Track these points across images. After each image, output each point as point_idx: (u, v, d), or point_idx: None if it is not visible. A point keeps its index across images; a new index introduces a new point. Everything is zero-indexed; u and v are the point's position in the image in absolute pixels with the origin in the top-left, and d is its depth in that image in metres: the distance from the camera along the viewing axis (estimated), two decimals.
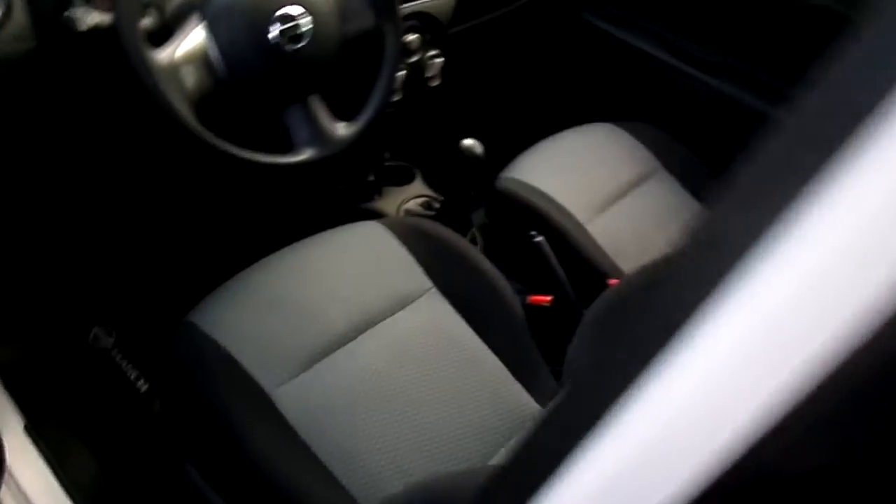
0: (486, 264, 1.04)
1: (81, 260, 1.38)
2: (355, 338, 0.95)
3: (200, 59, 0.82)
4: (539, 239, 1.07)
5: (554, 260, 1.07)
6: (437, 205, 1.28)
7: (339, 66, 0.92)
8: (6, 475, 0.94)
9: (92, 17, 0.78)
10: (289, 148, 0.90)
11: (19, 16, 0.82)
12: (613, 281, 1.13)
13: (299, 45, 0.85)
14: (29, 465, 0.98)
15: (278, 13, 0.83)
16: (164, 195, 1.32)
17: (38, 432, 1.06)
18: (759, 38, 1.34)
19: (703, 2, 1.36)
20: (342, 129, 0.94)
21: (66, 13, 0.78)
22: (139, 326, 1.35)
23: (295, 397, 0.88)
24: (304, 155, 0.90)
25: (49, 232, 1.29)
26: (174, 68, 0.79)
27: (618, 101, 1.60)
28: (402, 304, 1.00)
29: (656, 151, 1.38)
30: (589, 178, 1.29)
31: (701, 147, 1.41)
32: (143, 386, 1.25)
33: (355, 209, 1.31)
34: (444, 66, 1.24)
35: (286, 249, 1.03)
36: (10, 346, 1.16)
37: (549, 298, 1.03)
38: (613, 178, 1.31)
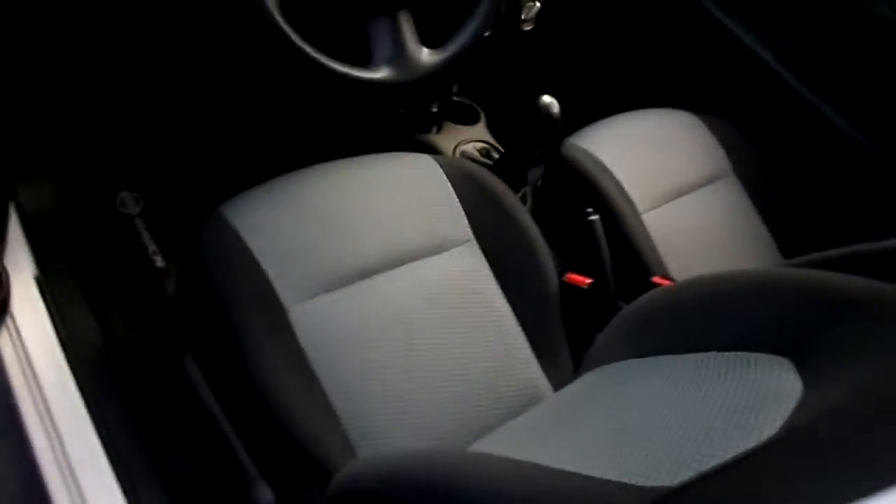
0: (533, 230, 0.99)
1: (126, 119, 1.35)
2: (384, 271, 0.92)
3: None
4: (594, 218, 1.02)
5: (604, 243, 1.02)
6: (495, 154, 1.22)
7: None
8: (8, 319, 0.93)
9: None
10: (366, 63, 0.84)
11: None
12: (657, 279, 1.08)
13: None
14: (33, 315, 0.97)
15: None
16: (226, 78, 1.28)
17: (48, 285, 1.04)
18: (871, 68, 1.25)
19: (824, 15, 1.26)
20: (426, 55, 0.88)
21: None
22: (169, 202, 1.33)
23: (311, 318, 0.85)
24: (380, 73, 0.84)
25: (102, 84, 1.26)
26: None
27: (705, 91, 1.51)
28: (439, 248, 0.96)
29: (731, 153, 1.31)
30: (657, 166, 1.22)
31: (777, 159, 1.34)
32: (160, 262, 1.24)
33: (410, 138, 1.25)
34: (540, 14, 1.17)
35: (333, 163, 0.99)
36: (36, 195, 1.14)
37: (588, 281, 0.98)
38: (682, 171, 1.24)
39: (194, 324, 0.88)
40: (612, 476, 0.53)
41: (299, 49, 0.77)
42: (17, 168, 1.07)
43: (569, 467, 0.51)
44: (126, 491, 0.88)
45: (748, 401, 0.61)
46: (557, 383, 0.94)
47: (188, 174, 1.35)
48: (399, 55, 0.84)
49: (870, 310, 0.60)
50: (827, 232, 1.29)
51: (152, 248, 1.24)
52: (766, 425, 0.56)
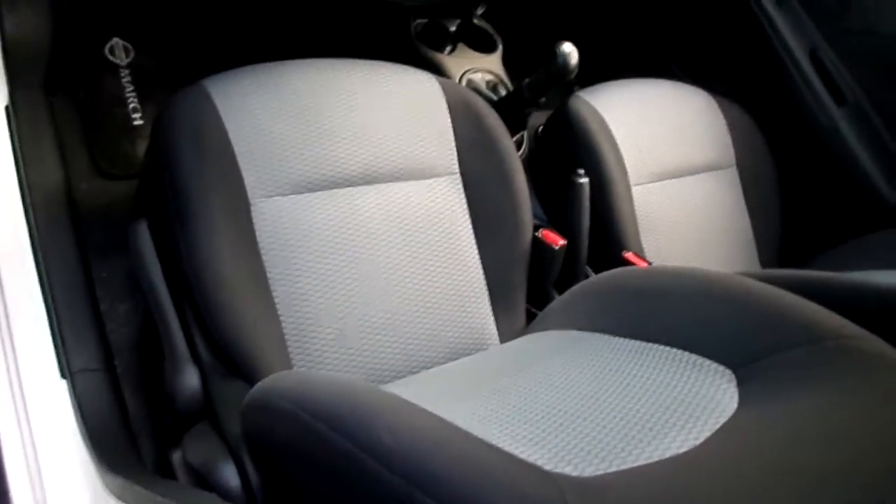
0: (520, 179, 0.96)
1: None
2: (359, 185, 0.89)
3: None
4: (583, 181, 0.99)
5: (586, 209, 0.99)
6: (503, 90, 1.18)
7: None
8: None
9: None
10: None
11: None
12: (629, 254, 1.06)
13: None
14: None
15: None
16: None
17: (17, 116, 1.00)
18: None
19: (867, 27, 1.21)
20: None
21: None
22: (162, 61, 1.27)
23: (273, 216, 0.83)
24: None
25: None
26: None
27: (729, 73, 1.46)
28: (422, 174, 0.93)
29: (739, 144, 1.28)
30: (661, 140, 1.19)
31: (785, 163, 1.31)
32: (138, 119, 1.19)
33: (419, 53, 1.20)
34: None
35: (332, 61, 0.94)
36: (22, 20, 1.07)
37: (561, 241, 0.96)
38: (684, 151, 1.21)
39: (154, 191, 0.85)
40: (520, 452, 0.53)
41: None
42: None
43: (479, 433, 0.50)
44: (56, 343, 0.88)
45: (683, 404, 0.60)
46: (506, 335, 0.93)
47: (189, 36, 1.28)
48: None
49: (823, 344, 0.59)
50: (810, 245, 1.28)
51: (133, 103, 1.19)
52: (693, 434, 0.56)
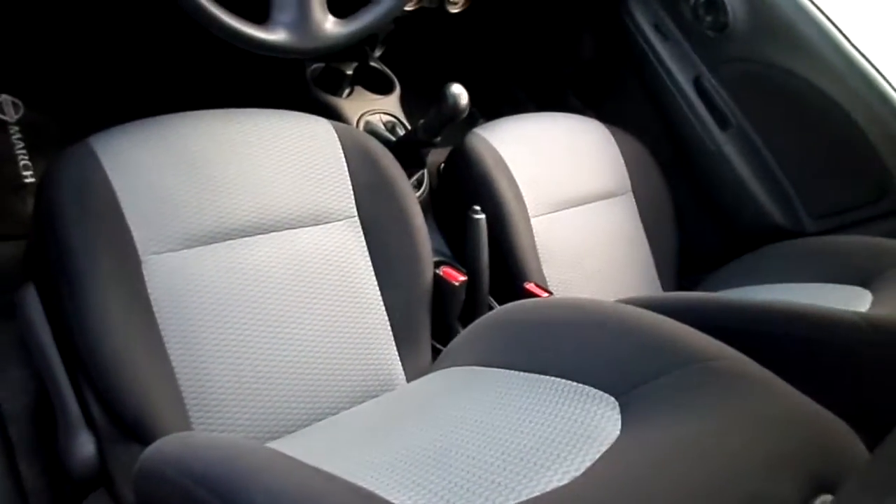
0: (417, 218, 0.98)
1: (16, 20, 1.25)
2: (254, 235, 0.88)
3: None
4: (479, 217, 1.01)
5: (484, 245, 1.02)
6: (400, 131, 1.20)
7: None
8: None
9: None
10: (263, 20, 0.80)
11: None
12: (530, 285, 1.09)
13: None
14: None
15: None
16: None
17: None
18: (774, 115, 1.29)
19: (744, 54, 1.29)
20: (331, 25, 0.84)
21: None
22: (51, 118, 1.24)
23: (165, 271, 0.82)
24: (275, 36, 0.79)
25: None
26: None
27: (620, 103, 1.53)
28: (318, 220, 0.93)
29: (633, 171, 1.33)
30: (557, 172, 1.23)
31: (677, 187, 1.38)
32: (28, 177, 1.16)
33: (313, 97, 1.21)
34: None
35: (222, 111, 0.94)
36: None
37: (461, 278, 0.98)
38: (581, 182, 1.26)
39: (41, 253, 0.83)
40: (405, 499, 0.54)
41: None
42: None
43: (367, 481, 0.51)
44: None
45: (568, 435, 0.62)
46: (412, 374, 0.94)
47: (75, 94, 1.26)
48: (301, 19, 0.80)
49: (692, 367, 0.62)
50: (706, 264, 1.34)
51: (23, 161, 1.16)
52: (576, 463, 0.58)
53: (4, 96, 1.20)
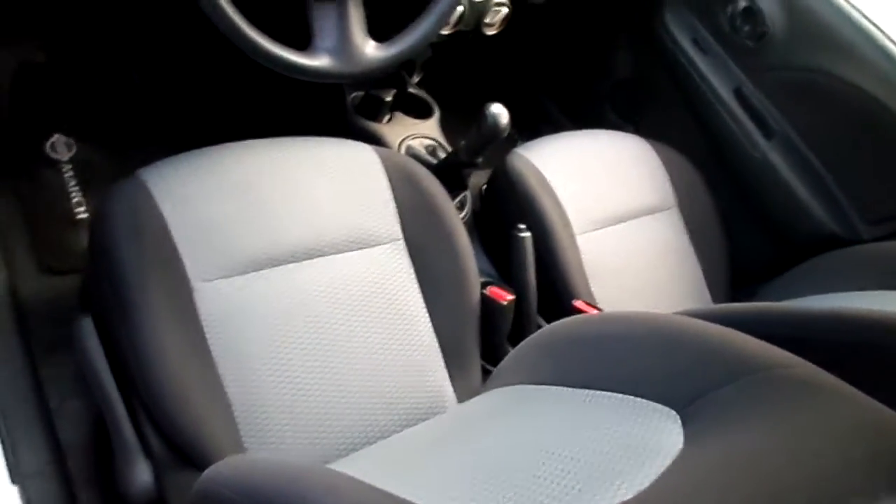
0: (462, 239, 0.98)
1: (70, 61, 1.29)
2: (302, 260, 0.89)
3: None
4: (524, 235, 1.01)
5: (531, 262, 1.01)
6: (442, 154, 1.21)
7: None
8: None
9: None
10: (304, 47, 0.81)
11: None
12: (578, 303, 1.08)
13: None
14: None
15: None
16: (175, 38, 1.23)
17: None
18: (820, 121, 1.27)
19: (785, 62, 1.27)
20: (371, 49, 0.85)
21: None
22: (103, 151, 1.28)
23: (217, 299, 0.83)
24: (318, 62, 0.81)
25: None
26: None
27: (661, 117, 1.51)
28: (364, 244, 0.94)
29: (678, 185, 1.31)
30: (601, 189, 1.22)
31: (724, 200, 1.35)
32: (81, 213, 1.19)
33: (357, 124, 1.23)
34: (506, 17, 1.15)
35: (268, 140, 0.96)
36: None
37: (508, 297, 0.98)
38: (626, 198, 1.24)
39: (96, 284, 0.85)
40: None
41: (235, 24, 0.74)
42: None
43: (430, 501, 0.50)
44: (5, 447, 0.85)
45: (630, 450, 0.61)
46: (463, 395, 0.93)
47: (124, 130, 1.30)
48: (342, 45, 0.81)
49: (756, 376, 0.60)
50: (758, 276, 1.30)
51: (77, 198, 1.19)
52: (639, 479, 0.56)
53: (57, 136, 1.24)
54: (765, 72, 1.32)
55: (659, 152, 1.33)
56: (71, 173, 1.21)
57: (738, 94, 1.34)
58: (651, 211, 1.26)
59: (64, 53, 1.26)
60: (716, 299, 1.26)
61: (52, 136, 1.24)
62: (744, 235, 1.35)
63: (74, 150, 1.24)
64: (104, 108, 1.30)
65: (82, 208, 1.19)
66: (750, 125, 1.33)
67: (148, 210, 0.83)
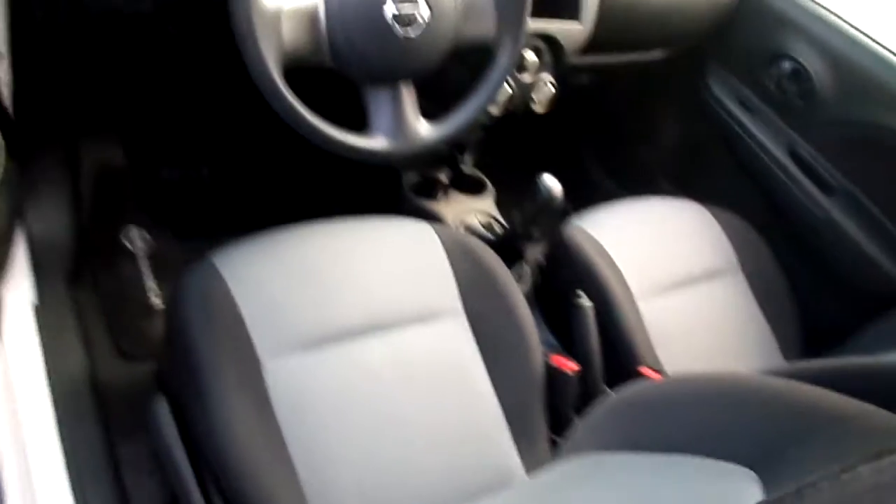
0: (523, 310, 0.98)
1: (143, 154, 1.38)
2: (366, 335, 0.91)
3: (306, 18, 0.79)
4: (585, 304, 1.01)
5: (593, 331, 1.01)
6: (498, 229, 1.23)
7: (445, 63, 0.87)
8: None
9: None
10: (360, 129, 0.86)
11: None
12: (645, 369, 1.06)
13: (411, 33, 0.80)
14: (24, 344, 0.97)
15: None
16: (238, 126, 1.31)
17: (44, 314, 1.05)
18: (879, 174, 1.25)
19: (838, 118, 1.26)
20: (425, 129, 0.89)
21: None
22: (176, 240, 1.35)
23: (285, 375, 0.85)
24: (375, 143, 0.85)
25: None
26: (276, 15, 0.75)
27: (716, 182, 1.51)
28: (426, 317, 0.95)
29: (739, 248, 1.30)
30: (660, 255, 1.22)
31: (787, 261, 1.32)
32: (156, 301, 1.24)
33: (416, 203, 1.27)
34: (553, 97, 1.19)
35: (331, 222, 1.00)
36: (46, 219, 1.16)
37: (573, 367, 0.97)
38: (686, 263, 1.23)
39: (170, 366, 0.88)
40: None
41: (296, 111, 0.79)
42: (28, 189, 1.09)
43: None
44: None
45: None
46: (532, 467, 0.92)
47: (197, 218, 1.37)
48: (397, 126, 0.85)
49: (840, 429, 0.58)
50: (831, 335, 1.26)
51: (151, 286, 1.25)
52: None
53: (134, 230, 1.32)
54: (817, 129, 1.31)
55: (716, 216, 1.32)
56: (146, 262, 1.28)
57: (793, 153, 1.34)
58: (713, 275, 1.25)
59: (140, 151, 1.35)
60: (788, 360, 1.22)
61: (127, 227, 1.32)
62: (813, 295, 1.32)
63: (148, 240, 1.31)
64: (175, 199, 1.38)
65: (157, 298, 1.24)
66: (808, 184, 1.32)
67: (219, 293, 0.87)
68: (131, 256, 1.29)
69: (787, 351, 1.24)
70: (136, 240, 1.31)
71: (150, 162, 1.40)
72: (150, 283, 1.26)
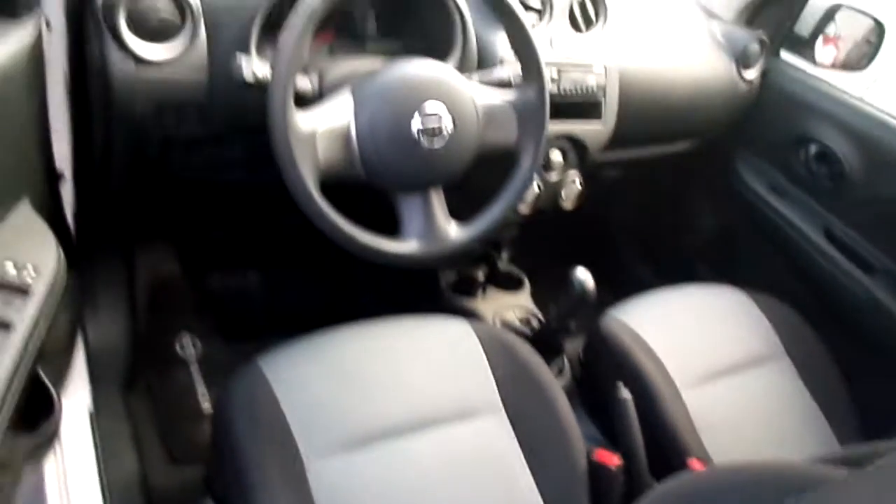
0: (563, 405, 0.99)
1: (197, 266, 1.45)
2: (408, 434, 0.93)
3: (339, 137, 0.85)
4: (625, 397, 1.00)
5: (635, 423, 1.00)
6: (535, 324, 1.25)
7: (471, 169, 0.92)
8: (58, 449, 0.97)
9: (256, 68, 0.83)
10: (394, 233, 0.90)
11: (200, 48, 0.89)
12: (693, 461, 1.04)
13: (437, 144, 0.86)
14: (80, 449, 1.01)
15: (424, 108, 0.85)
16: (283, 230, 1.38)
17: (100, 420, 1.10)
18: None
19: (871, 196, 1.27)
20: (455, 231, 0.93)
21: (236, 60, 0.83)
22: (226, 346, 1.40)
23: (329, 476, 0.86)
24: (408, 247, 0.90)
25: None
26: (311, 136, 0.82)
27: (753, 267, 1.51)
28: (466, 415, 0.97)
29: (782, 333, 1.28)
30: (700, 343, 1.21)
31: (834, 343, 1.30)
32: (207, 407, 1.28)
33: (450, 302, 1.30)
34: (581, 193, 1.22)
35: (371, 323, 1.03)
36: (105, 328, 1.22)
37: (617, 462, 0.96)
38: (728, 350, 1.22)
39: (218, 468, 0.91)
40: None
41: (333, 223, 0.84)
42: (86, 299, 1.16)
43: None
44: None
45: None
46: None
47: (245, 323, 1.42)
48: (428, 230, 0.90)
49: None
50: (888, 417, 1.22)
51: (202, 392, 1.29)
52: None
53: (186, 336, 1.37)
54: (850, 208, 1.31)
55: (757, 301, 1.31)
56: (197, 368, 1.33)
57: (828, 234, 1.33)
58: (758, 361, 1.23)
59: (192, 259, 1.43)
60: (843, 442, 1.18)
61: (180, 333, 1.37)
62: (864, 376, 1.28)
63: (200, 347, 1.36)
64: (224, 304, 1.44)
65: (207, 402, 1.28)
66: (847, 264, 1.31)
67: (264, 395, 0.90)
68: (183, 362, 1.34)
69: (842, 436, 1.20)
70: (188, 346, 1.36)
71: (201, 269, 1.47)
72: (201, 388, 1.30)
